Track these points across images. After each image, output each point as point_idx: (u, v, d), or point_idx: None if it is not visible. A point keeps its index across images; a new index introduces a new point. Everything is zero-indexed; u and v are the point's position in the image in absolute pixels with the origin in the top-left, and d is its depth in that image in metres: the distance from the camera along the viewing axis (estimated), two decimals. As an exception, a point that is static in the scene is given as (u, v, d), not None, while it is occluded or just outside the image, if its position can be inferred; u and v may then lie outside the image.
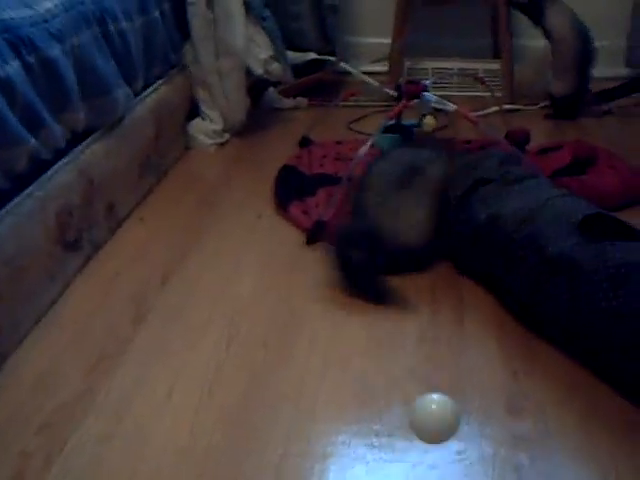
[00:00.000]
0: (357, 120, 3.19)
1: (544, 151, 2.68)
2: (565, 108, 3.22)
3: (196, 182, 2.73)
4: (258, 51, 2.99)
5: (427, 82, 2.39)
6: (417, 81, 2.49)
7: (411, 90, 2.36)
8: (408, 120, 2.50)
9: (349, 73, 3.54)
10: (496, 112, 3.19)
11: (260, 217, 2.39)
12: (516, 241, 1.80)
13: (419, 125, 2.38)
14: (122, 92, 2.30)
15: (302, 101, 3.43)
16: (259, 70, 3.00)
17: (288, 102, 3.41)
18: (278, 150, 2.87)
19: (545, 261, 1.73)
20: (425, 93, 2.36)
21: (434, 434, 1.50)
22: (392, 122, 2.40)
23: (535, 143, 2.74)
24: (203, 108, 2.99)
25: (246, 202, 2.50)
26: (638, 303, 1.56)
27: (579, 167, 2.54)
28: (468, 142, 2.86)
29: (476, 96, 3.40)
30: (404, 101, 2.36)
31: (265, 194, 2.53)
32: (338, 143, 2.86)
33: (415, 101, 2.40)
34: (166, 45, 2.79)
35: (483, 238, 1.90)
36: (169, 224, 2.37)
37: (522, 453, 1.48)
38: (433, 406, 1.52)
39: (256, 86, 3.18)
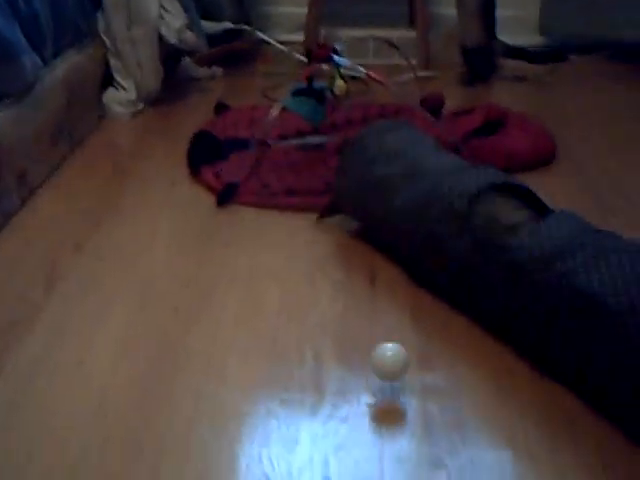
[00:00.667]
0: (273, 88, 3.19)
1: (457, 115, 2.71)
2: (478, 63, 3.24)
3: (111, 151, 2.70)
4: (171, 20, 2.97)
5: (337, 45, 2.39)
6: (326, 44, 2.50)
7: (320, 53, 2.37)
8: (319, 83, 2.50)
9: (265, 42, 3.53)
10: (411, 79, 3.20)
11: (174, 184, 2.38)
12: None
13: (330, 87, 2.38)
14: (29, 59, 2.26)
15: (217, 70, 3.41)
16: (173, 39, 2.97)
17: (203, 71, 3.39)
18: (194, 119, 2.86)
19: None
20: (335, 56, 2.36)
21: (392, 374, 1.52)
22: (302, 85, 2.40)
23: (450, 107, 2.76)
24: (116, 77, 2.96)
25: (161, 170, 2.49)
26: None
27: (490, 129, 2.58)
28: (383, 107, 2.88)
29: (392, 64, 3.41)
30: (314, 64, 2.36)
31: (180, 161, 2.52)
32: (253, 108, 2.86)
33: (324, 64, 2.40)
34: (77, 13, 2.75)
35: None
36: (83, 193, 2.34)
37: (432, 404, 1.50)
38: (389, 352, 1.54)
39: (171, 55, 3.15)
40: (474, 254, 1.65)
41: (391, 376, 1.52)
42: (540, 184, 2.32)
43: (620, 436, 1.42)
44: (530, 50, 3.40)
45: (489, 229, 1.65)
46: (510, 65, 3.46)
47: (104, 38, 2.94)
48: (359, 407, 1.50)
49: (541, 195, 2.15)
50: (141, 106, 3.00)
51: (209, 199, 2.27)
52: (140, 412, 1.48)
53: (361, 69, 2.44)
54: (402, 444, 1.41)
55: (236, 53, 3.46)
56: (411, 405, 1.50)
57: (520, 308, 1.57)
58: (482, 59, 3.29)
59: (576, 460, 1.37)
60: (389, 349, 1.52)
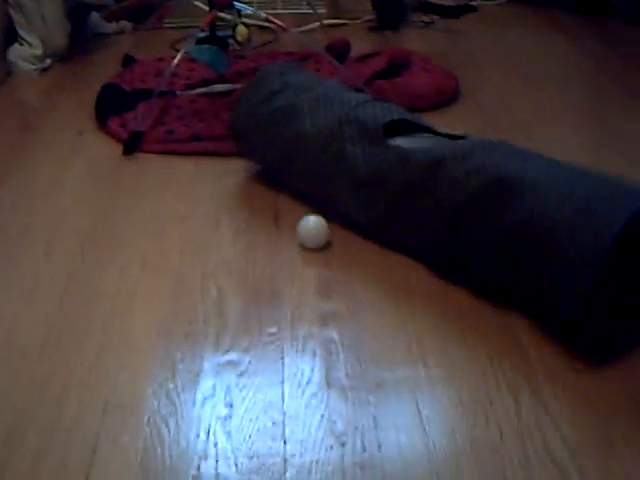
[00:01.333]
0: (181, 40, 3.19)
1: (362, 59, 2.74)
2: (387, 14, 3.27)
3: (18, 107, 2.69)
4: (75, -27, 2.94)
5: (238, -8, 2.41)
6: (228, -9, 2.51)
7: (221, 0, 2.38)
8: (222, 31, 2.52)
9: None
10: (318, 27, 3.23)
11: (81, 134, 2.39)
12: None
13: (233, 35, 2.40)
14: None
15: (126, 25, 3.40)
16: (77, -7, 2.95)
17: (112, 27, 3.37)
18: (102, 73, 2.85)
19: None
20: (236, 3, 2.38)
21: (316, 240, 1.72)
22: (205, 34, 2.42)
23: (356, 53, 2.80)
24: (21, 33, 2.93)
25: (68, 122, 2.49)
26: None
27: (394, 71, 2.62)
28: (289, 54, 2.90)
29: (301, 13, 3.44)
30: (215, 11, 2.37)
31: (87, 114, 2.53)
32: (160, 60, 2.86)
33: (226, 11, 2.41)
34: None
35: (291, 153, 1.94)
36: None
37: (333, 330, 1.55)
38: (311, 223, 1.72)
39: (78, 10, 3.13)
40: (394, 165, 1.70)
41: (316, 242, 1.72)
42: (444, 122, 2.39)
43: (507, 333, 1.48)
44: (442, 4, 3.43)
45: (407, 149, 1.70)
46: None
47: (4, -8, 2.90)
48: (260, 337, 1.54)
49: (444, 128, 2.22)
50: (48, 62, 2.98)
51: (116, 148, 2.29)
52: (47, 350, 1.51)
53: (262, 14, 2.46)
54: (303, 369, 1.46)
55: (144, 7, 3.45)
56: (311, 331, 1.55)
57: (436, 203, 1.63)
58: (392, 11, 3.31)
59: (467, 358, 1.43)
60: (312, 219, 1.74)
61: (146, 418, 1.35)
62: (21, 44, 2.93)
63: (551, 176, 1.49)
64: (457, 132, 1.79)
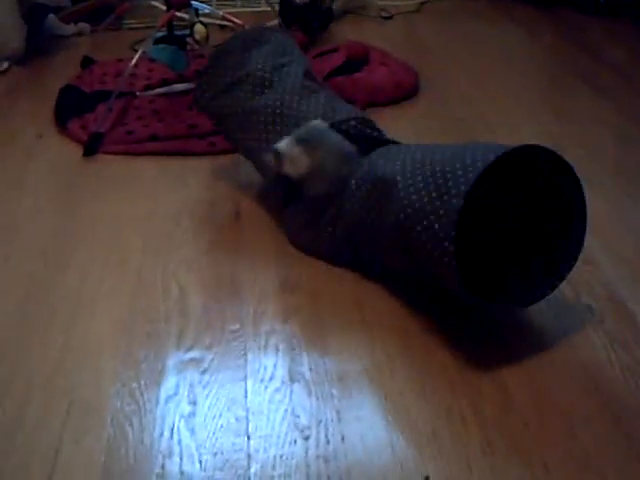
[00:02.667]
0: (140, 41, 3.17)
1: (320, 55, 2.75)
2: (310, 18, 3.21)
3: (-26, 111, 2.66)
4: (30, -25, 2.92)
5: (194, -9, 2.41)
6: (184, -9, 2.51)
7: (178, 0, 2.38)
8: (180, 31, 2.52)
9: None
10: (276, 25, 3.23)
11: (41, 137, 2.38)
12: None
13: (191, 34, 2.40)
14: None
15: (84, 27, 3.38)
16: (33, -6, 2.93)
17: (70, 28, 3.35)
18: (61, 76, 2.83)
19: None
20: (193, 2, 2.38)
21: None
22: (163, 33, 2.41)
23: (314, 49, 2.81)
24: (-24, 36, 2.91)
25: (27, 125, 2.48)
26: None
27: (354, 66, 2.63)
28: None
29: (260, 11, 3.44)
30: (172, 10, 2.37)
31: (47, 116, 2.51)
32: (119, 61, 2.85)
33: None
34: None
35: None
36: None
37: (295, 325, 1.56)
38: None
39: (34, 12, 3.11)
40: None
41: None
42: (404, 115, 2.41)
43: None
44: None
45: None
46: (378, 4, 3.51)
47: (-42, -5, 2.87)
48: (223, 334, 1.55)
49: (405, 124, 2.24)
50: (5, 65, 2.96)
51: (77, 151, 2.28)
52: (9, 351, 1.50)
53: (219, 12, 2.46)
54: (265, 365, 1.46)
55: (102, 8, 3.42)
56: (274, 327, 1.55)
57: (338, 211, 1.68)
58: (313, 13, 3.23)
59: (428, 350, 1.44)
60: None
61: (109, 418, 1.35)
62: (-24, 47, 2.90)
63: (418, 163, 1.51)
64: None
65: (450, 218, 1.36)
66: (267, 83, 1.89)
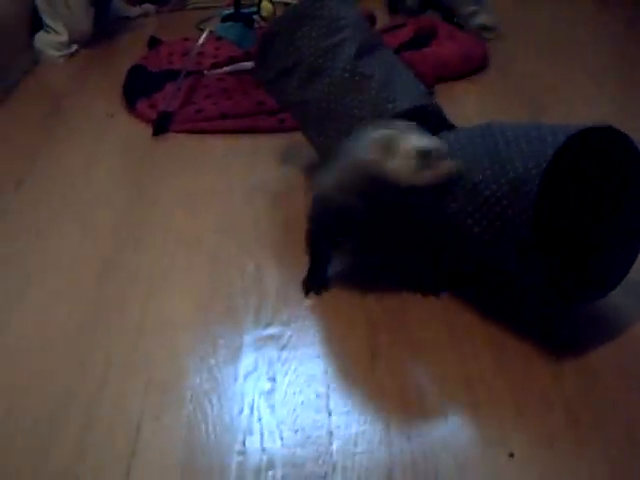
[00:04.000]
0: (206, 20, 3.17)
1: (388, 30, 2.72)
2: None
3: (46, 93, 2.69)
4: (96, -43, 2.93)
5: (262, -32, 2.39)
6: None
7: (245, -24, 2.36)
8: (246, 8, 2.50)
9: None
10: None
11: (112, 116, 2.39)
12: None
13: (258, 11, 2.38)
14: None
15: (150, 8, 3.39)
16: (100, -23, 2.95)
17: (135, 10, 3.37)
18: (128, 56, 2.84)
19: None
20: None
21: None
22: (229, 11, 2.40)
23: (382, 25, 2.78)
24: (46, 20, 2.93)
25: (97, 105, 2.49)
26: None
27: (422, 41, 2.60)
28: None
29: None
30: (239, -12, 2.36)
31: (116, 96, 2.53)
32: (186, 40, 2.85)
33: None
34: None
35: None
36: (19, 133, 2.34)
37: (373, 298, 1.53)
38: None
39: (101, -5, 3.13)
40: None
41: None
42: (474, 89, 2.38)
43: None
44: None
45: None
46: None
47: (29, -20, 2.89)
48: (300, 310, 1.53)
49: (475, 98, 2.20)
50: (75, 48, 2.98)
51: (146, 129, 2.28)
52: (86, 331, 1.51)
53: (284, -14, 2.44)
54: (344, 340, 1.45)
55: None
56: (351, 301, 1.54)
57: None
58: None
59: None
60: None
61: (189, 395, 1.34)
62: (47, 31, 2.93)
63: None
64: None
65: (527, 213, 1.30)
66: (317, 70, 1.78)
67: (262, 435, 1.26)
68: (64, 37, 2.93)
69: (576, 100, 2.28)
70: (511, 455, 1.20)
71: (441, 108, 1.71)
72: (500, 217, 1.33)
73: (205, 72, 2.53)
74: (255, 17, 2.46)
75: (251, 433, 1.27)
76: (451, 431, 1.25)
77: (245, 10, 2.44)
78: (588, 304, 1.44)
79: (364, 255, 1.65)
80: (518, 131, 1.39)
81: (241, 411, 1.31)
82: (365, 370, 1.37)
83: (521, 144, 1.35)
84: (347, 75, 1.72)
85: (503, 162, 1.35)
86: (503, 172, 1.34)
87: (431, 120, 1.59)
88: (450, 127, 1.66)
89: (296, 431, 1.26)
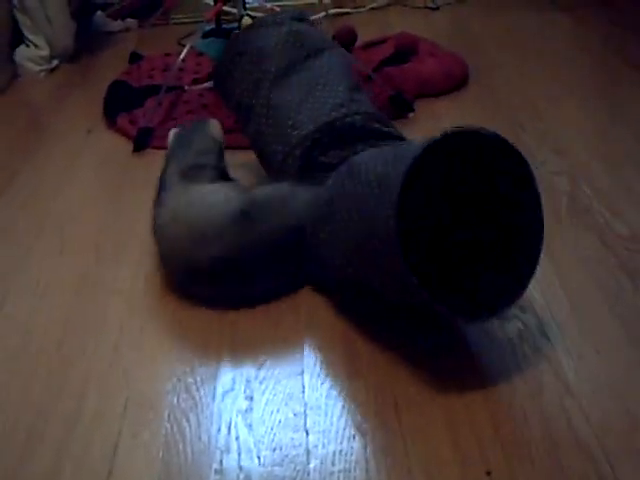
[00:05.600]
0: (188, 35, 3.17)
1: (369, 46, 2.74)
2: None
3: (25, 108, 2.69)
4: (77, -29, 2.93)
5: (242, -17, 2.40)
6: (231, -17, 2.50)
7: (227, -8, 2.37)
8: (228, 24, 2.51)
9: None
10: (324, 17, 3.23)
11: (90, 132, 2.39)
12: None
13: (239, 27, 2.39)
14: None
15: (132, 23, 3.39)
16: (81, -9, 2.95)
17: (117, 25, 3.36)
18: (110, 71, 2.85)
19: None
20: (240, -6, 2.37)
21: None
22: (211, 27, 2.41)
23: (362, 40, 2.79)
24: (26, 34, 2.93)
25: (77, 121, 2.49)
26: None
27: (402, 57, 2.61)
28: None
29: (306, 4, 3.42)
30: (220, 4, 2.36)
31: (96, 112, 2.52)
32: (167, 55, 2.85)
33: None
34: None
35: None
36: (-2, 147, 2.34)
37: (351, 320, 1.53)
38: None
39: (83, 10, 3.13)
40: None
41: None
42: (454, 106, 2.39)
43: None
44: None
45: None
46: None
47: (9, -6, 2.89)
48: (278, 329, 1.53)
49: (456, 114, 2.22)
50: (56, 62, 2.98)
51: (126, 145, 2.28)
52: (64, 348, 1.51)
53: (267, 4, 2.45)
54: (322, 358, 1.45)
55: (149, 4, 3.43)
56: (329, 317, 1.54)
57: None
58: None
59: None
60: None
61: (166, 413, 1.34)
62: (27, 45, 2.93)
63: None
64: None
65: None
66: (248, 108, 1.85)
67: (240, 453, 1.27)
68: (45, 51, 2.93)
69: (557, 117, 2.29)
70: (488, 473, 1.20)
71: (370, 114, 1.74)
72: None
73: (186, 87, 2.53)
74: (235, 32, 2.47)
75: (228, 452, 1.27)
76: (428, 449, 1.25)
77: (226, 26, 2.45)
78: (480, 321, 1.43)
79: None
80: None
81: (219, 430, 1.31)
82: (343, 388, 1.37)
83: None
84: (264, 110, 1.79)
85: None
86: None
87: (348, 133, 1.67)
88: (382, 134, 1.70)
89: (274, 450, 1.27)
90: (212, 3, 2.44)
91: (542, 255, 1.38)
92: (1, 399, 1.38)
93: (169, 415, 1.34)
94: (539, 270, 1.39)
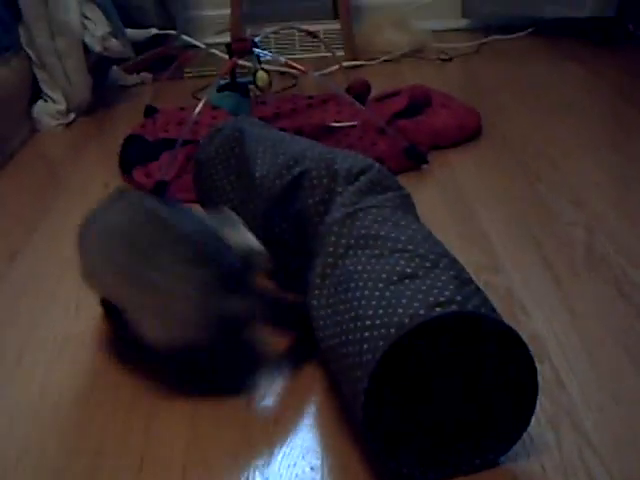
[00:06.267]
0: (202, 89, 3.21)
1: (382, 98, 2.76)
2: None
3: (43, 162, 2.71)
4: (94, 28, 2.98)
5: (256, 38, 2.42)
6: (246, 38, 2.53)
7: (240, 47, 2.39)
8: (242, 77, 2.54)
9: (192, 46, 3.56)
10: (337, 70, 3.26)
11: (107, 186, 2.40)
12: None
13: (253, 81, 2.41)
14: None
15: (147, 77, 3.44)
16: (97, 47, 2.99)
17: (132, 79, 3.41)
18: (126, 124, 2.88)
19: None
20: (255, 49, 2.39)
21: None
22: (226, 80, 2.43)
23: (376, 93, 2.82)
24: (45, 89, 2.97)
25: (94, 174, 2.51)
26: None
27: (416, 109, 2.63)
28: (310, 97, 2.92)
29: (319, 57, 3.47)
30: (234, 58, 2.39)
31: (113, 166, 2.55)
32: (182, 109, 2.88)
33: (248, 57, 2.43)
34: (-5, 27, 2.76)
35: None
36: (16, 203, 2.35)
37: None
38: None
39: (99, 65, 3.17)
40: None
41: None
42: (468, 158, 2.40)
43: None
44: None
45: None
46: (435, 47, 3.53)
47: (28, 51, 2.93)
48: (294, 379, 1.53)
49: (470, 166, 2.23)
50: (72, 116, 3.02)
51: (142, 198, 2.29)
52: (81, 403, 1.50)
53: (281, 59, 2.47)
54: (339, 410, 1.44)
55: (163, 58, 3.48)
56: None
57: None
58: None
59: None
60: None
61: (181, 469, 1.33)
62: (45, 100, 2.96)
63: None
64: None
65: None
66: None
67: (257, 509, 1.25)
68: (62, 106, 2.97)
69: (570, 168, 2.30)
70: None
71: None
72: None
73: (201, 141, 2.55)
74: (251, 86, 2.50)
75: (246, 507, 1.26)
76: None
77: (241, 79, 2.48)
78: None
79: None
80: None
81: (236, 485, 1.30)
82: (359, 441, 1.36)
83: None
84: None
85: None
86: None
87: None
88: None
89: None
90: (227, 57, 2.47)
91: (559, 306, 1.37)
92: (17, 456, 1.38)
93: (184, 470, 1.33)
94: (556, 321, 1.38)
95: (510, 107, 2.84)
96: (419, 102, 2.67)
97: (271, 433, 1.40)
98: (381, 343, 1.21)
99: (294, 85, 3.18)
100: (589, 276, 1.78)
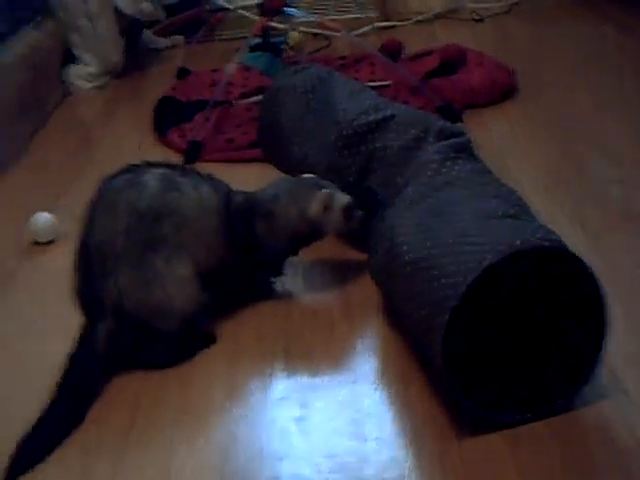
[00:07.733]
0: (235, 50, 3.19)
1: (415, 57, 2.74)
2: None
3: (77, 124, 2.73)
4: (126, -9, 2.98)
5: (289, -2, 2.41)
6: (279, -3, 2.51)
7: (272, 5, 2.38)
8: (274, 37, 2.52)
9: (223, 8, 3.54)
10: (370, 30, 3.24)
11: (140, 147, 2.41)
12: None
13: (285, 41, 2.40)
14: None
15: (179, 39, 3.43)
16: (129, 10, 2.99)
17: (164, 41, 3.41)
18: (158, 87, 2.88)
19: None
20: (287, 8, 2.38)
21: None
22: (258, 40, 2.42)
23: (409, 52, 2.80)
24: (76, 52, 2.98)
25: (127, 136, 2.53)
26: None
27: (450, 68, 2.61)
28: (343, 58, 2.91)
29: (352, 18, 3.44)
30: (266, 17, 2.38)
31: (146, 127, 2.55)
32: (214, 71, 2.87)
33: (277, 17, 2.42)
34: (28, -10, 2.76)
35: None
36: (52, 163, 2.38)
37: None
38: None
39: (131, 28, 3.17)
40: None
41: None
42: (503, 116, 2.39)
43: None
44: None
45: None
46: (469, 7, 3.50)
47: (60, 13, 2.93)
48: (332, 335, 1.53)
49: (504, 126, 2.21)
50: (105, 79, 3.02)
51: (177, 159, 2.29)
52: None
53: (314, 18, 2.46)
54: (375, 365, 1.44)
55: (195, 21, 3.47)
56: (380, 329, 1.53)
57: None
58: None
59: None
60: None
61: (220, 421, 1.34)
62: (77, 63, 2.97)
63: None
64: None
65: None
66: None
67: (294, 461, 1.26)
68: (95, 68, 2.98)
69: (606, 126, 2.27)
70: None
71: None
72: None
73: (234, 102, 2.55)
74: (283, 46, 2.48)
75: (283, 459, 1.27)
76: (485, 457, 1.24)
77: (273, 39, 2.46)
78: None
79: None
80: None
81: (273, 437, 1.31)
82: (397, 395, 1.37)
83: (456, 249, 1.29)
84: None
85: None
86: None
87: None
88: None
89: (329, 457, 1.26)
90: (257, 18, 2.45)
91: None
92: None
93: (223, 423, 1.34)
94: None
95: (543, 66, 2.81)
96: (453, 61, 2.64)
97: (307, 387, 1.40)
98: (489, 256, 1.20)
99: (328, 45, 3.15)
100: (625, 229, 1.76)
